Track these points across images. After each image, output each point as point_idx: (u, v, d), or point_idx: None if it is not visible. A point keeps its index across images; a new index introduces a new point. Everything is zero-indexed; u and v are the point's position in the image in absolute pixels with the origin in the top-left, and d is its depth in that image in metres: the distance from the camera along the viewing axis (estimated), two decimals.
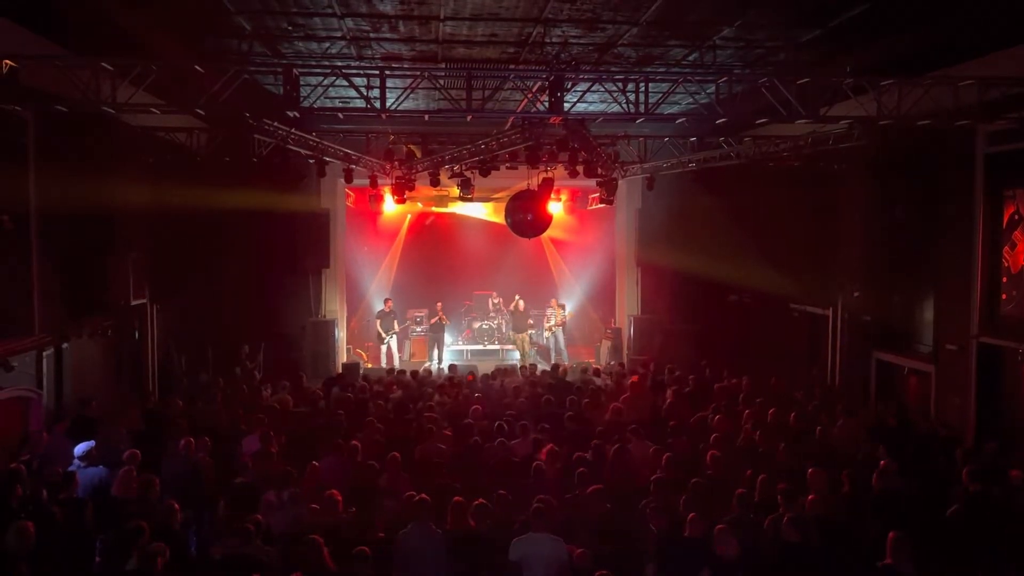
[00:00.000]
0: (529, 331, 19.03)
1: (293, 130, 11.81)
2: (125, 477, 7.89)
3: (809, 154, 12.85)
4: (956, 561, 6.93)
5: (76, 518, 7.08)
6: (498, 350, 19.33)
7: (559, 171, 14.34)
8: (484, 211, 20.46)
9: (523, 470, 8.51)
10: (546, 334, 19.34)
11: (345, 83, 9.70)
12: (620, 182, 15.69)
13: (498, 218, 18.30)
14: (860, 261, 14.50)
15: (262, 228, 15.48)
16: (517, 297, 19.26)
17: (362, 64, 11.17)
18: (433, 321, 18.86)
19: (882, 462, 8.25)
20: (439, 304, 19.02)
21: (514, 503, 7.49)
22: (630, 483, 8.29)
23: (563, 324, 19.31)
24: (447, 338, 19.24)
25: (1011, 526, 7.35)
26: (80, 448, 8.36)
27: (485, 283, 21.01)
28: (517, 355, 19.47)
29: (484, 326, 19.85)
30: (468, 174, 14.91)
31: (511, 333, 19.29)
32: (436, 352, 18.66)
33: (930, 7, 8.72)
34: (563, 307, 19.63)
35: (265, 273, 15.79)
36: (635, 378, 13.59)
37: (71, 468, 8.08)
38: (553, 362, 16.79)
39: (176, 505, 7.08)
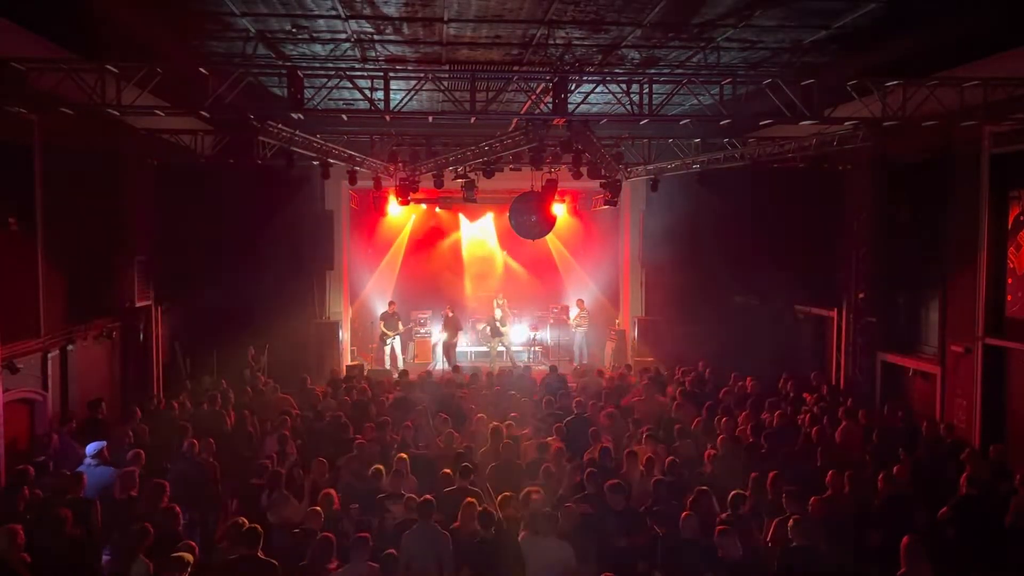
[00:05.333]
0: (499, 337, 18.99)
1: (297, 132, 11.82)
2: (126, 478, 7.92)
3: (814, 155, 12.82)
4: (951, 563, 6.92)
5: (83, 518, 7.11)
6: (503, 351, 19.31)
7: (563, 173, 14.33)
8: (489, 213, 20.53)
9: (531, 471, 8.53)
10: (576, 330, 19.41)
11: (349, 85, 9.71)
12: (625, 184, 15.67)
13: (502, 219, 18.36)
14: (865, 262, 14.48)
15: (266, 230, 15.50)
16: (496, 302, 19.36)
17: (366, 66, 11.19)
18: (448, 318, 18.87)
19: (896, 468, 8.23)
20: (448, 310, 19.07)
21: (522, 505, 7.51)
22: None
23: (583, 326, 19.29)
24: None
25: (1007, 528, 7.33)
26: (92, 447, 8.45)
27: (489, 285, 21.02)
28: (524, 356, 19.52)
29: (488, 327, 19.84)
30: (472, 176, 14.91)
31: (491, 339, 19.24)
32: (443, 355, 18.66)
33: (935, 8, 8.70)
34: (584, 308, 19.56)
35: (269, 275, 15.82)
36: (632, 378, 13.61)
37: (81, 467, 8.13)
38: (551, 363, 16.75)
39: (178, 509, 7.11)
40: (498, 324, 18.86)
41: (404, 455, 8.66)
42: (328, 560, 6.49)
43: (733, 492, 7.56)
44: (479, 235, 21.29)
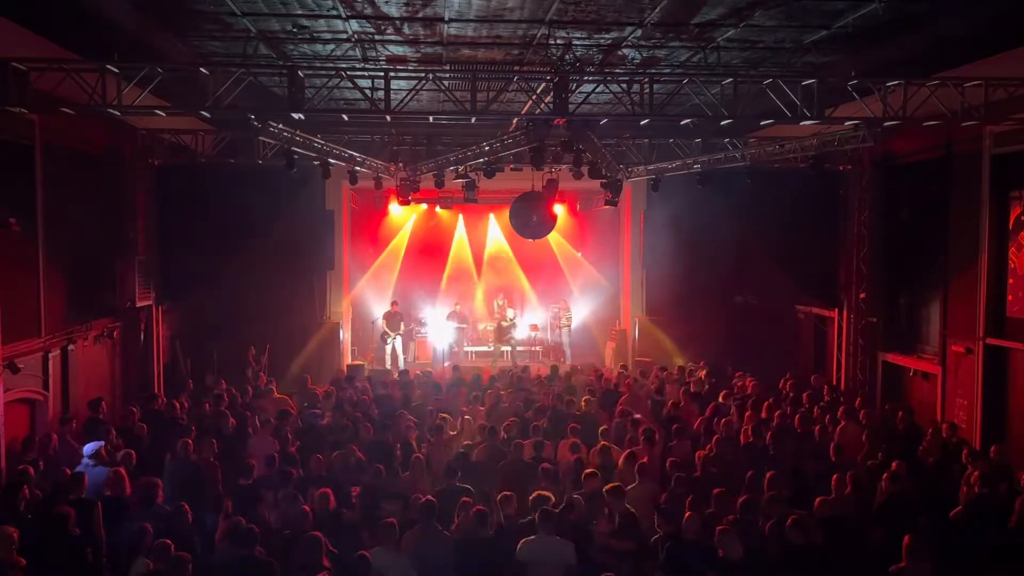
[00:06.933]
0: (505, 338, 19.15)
1: (298, 132, 11.83)
2: (115, 477, 7.92)
3: (814, 155, 12.83)
4: (961, 564, 6.91)
5: (85, 518, 7.10)
6: (505, 351, 19.32)
7: (564, 173, 14.33)
8: (489, 213, 20.56)
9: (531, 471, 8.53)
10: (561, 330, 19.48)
11: (350, 85, 9.71)
12: (626, 184, 15.66)
13: (503, 219, 18.36)
14: (865, 262, 14.48)
15: (267, 230, 15.51)
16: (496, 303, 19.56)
17: (367, 66, 11.19)
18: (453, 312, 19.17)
19: (894, 464, 8.22)
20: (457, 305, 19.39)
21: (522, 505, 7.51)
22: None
23: (568, 325, 19.36)
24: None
25: (1013, 530, 7.32)
26: (89, 447, 8.44)
27: (490, 285, 21.03)
28: (523, 355, 19.59)
29: (489, 327, 19.87)
30: (473, 176, 14.91)
31: (494, 343, 19.32)
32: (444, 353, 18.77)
33: (935, 8, 8.70)
34: (568, 308, 19.65)
35: (270, 275, 15.83)
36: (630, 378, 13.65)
37: (80, 468, 8.12)
38: (552, 364, 16.77)
39: (187, 507, 7.12)
40: (514, 320, 19.01)
41: (420, 455, 8.69)
42: (318, 558, 6.47)
43: (724, 492, 7.56)
44: (479, 235, 21.28)
